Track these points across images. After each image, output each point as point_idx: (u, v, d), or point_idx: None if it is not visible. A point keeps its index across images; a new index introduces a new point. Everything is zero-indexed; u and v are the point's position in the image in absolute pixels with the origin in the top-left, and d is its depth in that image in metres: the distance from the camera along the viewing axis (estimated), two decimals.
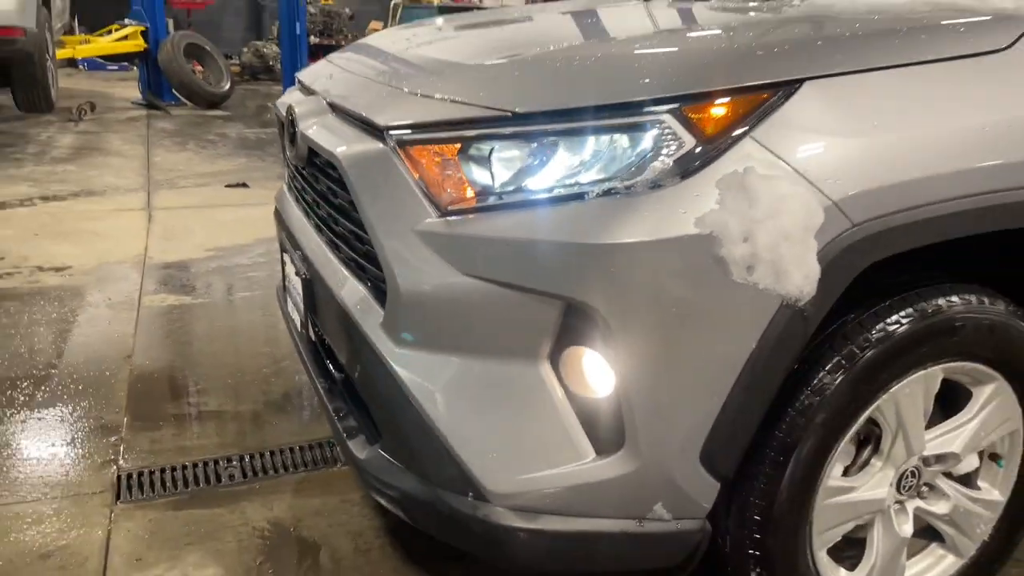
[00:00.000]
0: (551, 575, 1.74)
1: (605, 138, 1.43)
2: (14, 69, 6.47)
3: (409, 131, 1.56)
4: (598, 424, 1.47)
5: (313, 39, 11.62)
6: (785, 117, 1.40)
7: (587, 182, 1.42)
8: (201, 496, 2.28)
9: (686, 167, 1.38)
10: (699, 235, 1.34)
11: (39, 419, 2.62)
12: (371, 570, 2.02)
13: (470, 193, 1.49)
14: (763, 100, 1.40)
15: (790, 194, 1.35)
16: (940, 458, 1.71)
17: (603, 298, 1.38)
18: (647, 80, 1.45)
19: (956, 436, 1.70)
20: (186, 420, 2.66)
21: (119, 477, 2.34)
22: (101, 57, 9.38)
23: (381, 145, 1.58)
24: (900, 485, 1.70)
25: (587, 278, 1.38)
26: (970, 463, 1.76)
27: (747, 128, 1.39)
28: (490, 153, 1.49)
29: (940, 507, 1.75)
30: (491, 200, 1.48)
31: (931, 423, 1.70)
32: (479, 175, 1.49)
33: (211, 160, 6.42)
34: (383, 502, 1.72)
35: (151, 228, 4.66)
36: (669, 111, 1.39)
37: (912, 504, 1.74)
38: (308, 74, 2.28)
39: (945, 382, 1.67)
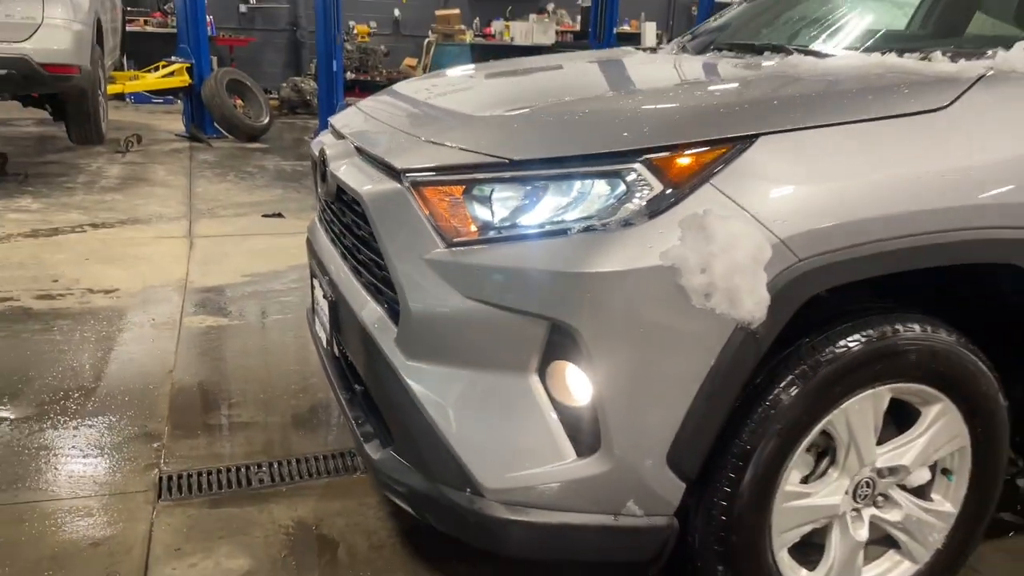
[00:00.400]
0: (540, 563, 1.95)
1: (587, 183, 1.67)
2: (69, 104, 6.86)
3: (422, 174, 1.81)
4: (578, 429, 1.68)
5: (349, 75, 12.02)
6: (741, 167, 1.62)
7: (571, 220, 1.65)
8: (233, 497, 2.51)
9: (654, 208, 1.61)
10: (663, 266, 1.57)
11: (90, 426, 2.88)
12: (383, 564, 2.24)
13: (473, 228, 1.72)
14: (722, 152, 1.63)
15: (742, 233, 1.57)
16: (893, 470, 1.91)
17: (581, 319, 1.60)
18: (624, 134, 1.69)
19: (906, 451, 1.89)
20: (221, 429, 2.91)
21: (161, 478, 2.58)
22: (147, 91, 9.81)
23: (398, 185, 1.83)
24: (856, 494, 1.89)
25: (568, 301, 1.61)
26: (921, 476, 1.94)
27: (708, 176, 1.62)
28: (490, 194, 1.73)
29: (894, 516, 1.94)
30: (491, 234, 1.71)
31: (886, 438, 1.91)
32: (481, 212, 1.73)
33: (249, 191, 6.75)
34: (393, 498, 1.95)
35: (192, 254, 4.96)
36: (641, 161, 1.63)
37: (868, 512, 1.93)
38: (339, 119, 2.54)
39: (899, 401, 1.87)
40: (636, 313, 1.59)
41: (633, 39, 13.42)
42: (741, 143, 1.64)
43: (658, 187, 1.62)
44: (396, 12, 13.30)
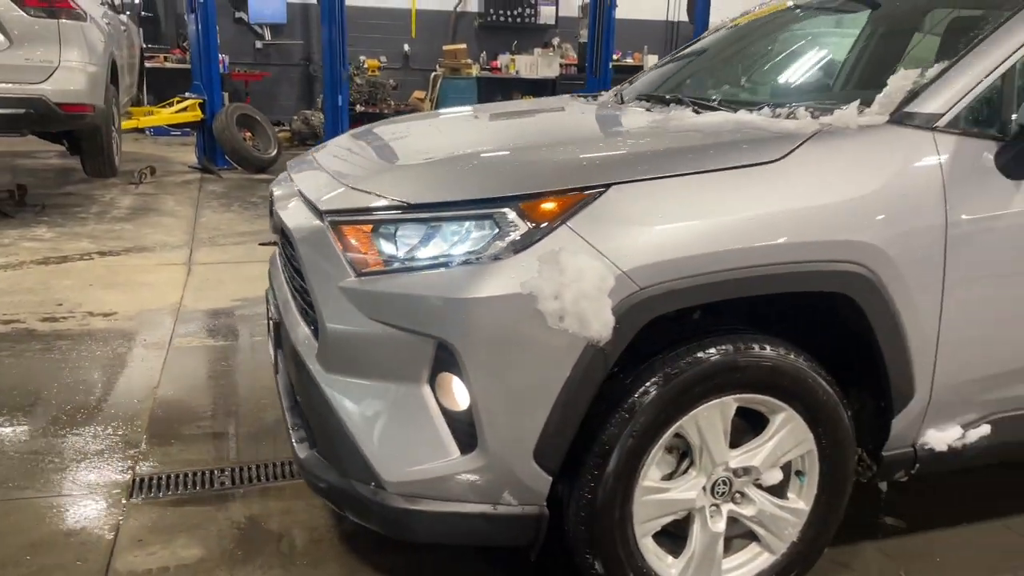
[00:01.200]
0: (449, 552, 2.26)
1: (468, 223, 1.99)
2: (83, 140, 7.30)
3: (340, 215, 2.15)
4: (460, 430, 1.99)
5: (359, 108, 12.49)
6: (594, 211, 1.94)
7: (454, 254, 1.97)
8: (196, 497, 2.84)
9: (519, 245, 1.93)
10: (522, 294, 1.88)
11: (76, 434, 3.22)
12: (319, 555, 2.55)
13: (378, 260, 2.05)
14: (579, 199, 1.95)
15: (589, 266, 1.88)
16: (747, 470, 2.19)
17: (457, 337, 1.92)
18: (498, 182, 2.02)
19: (756, 454, 2.18)
20: (193, 439, 3.24)
21: (134, 480, 2.91)
22: (164, 124, 10.30)
23: (320, 223, 2.17)
24: (714, 491, 2.18)
25: (447, 323, 1.93)
26: (774, 476, 2.22)
27: (565, 219, 1.93)
28: (394, 232, 2.06)
29: (749, 511, 2.23)
30: (393, 265, 2.04)
31: (742, 442, 2.20)
32: (385, 247, 2.06)
33: (250, 220, 7.13)
34: (316, 493, 2.26)
35: (189, 280, 5.33)
36: (510, 206, 1.96)
37: (726, 507, 2.21)
38: (294, 164, 2.89)
39: (754, 409, 2.17)
40: (502, 332, 1.91)
41: (636, 71, 13.78)
42: (595, 191, 1.96)
43: (523, 227, 1.94)
44: (406, 47, 13.75)
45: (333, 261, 2.10)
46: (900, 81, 2.31)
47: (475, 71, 13.49)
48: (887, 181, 2.12)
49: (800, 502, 2.28)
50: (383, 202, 2.10)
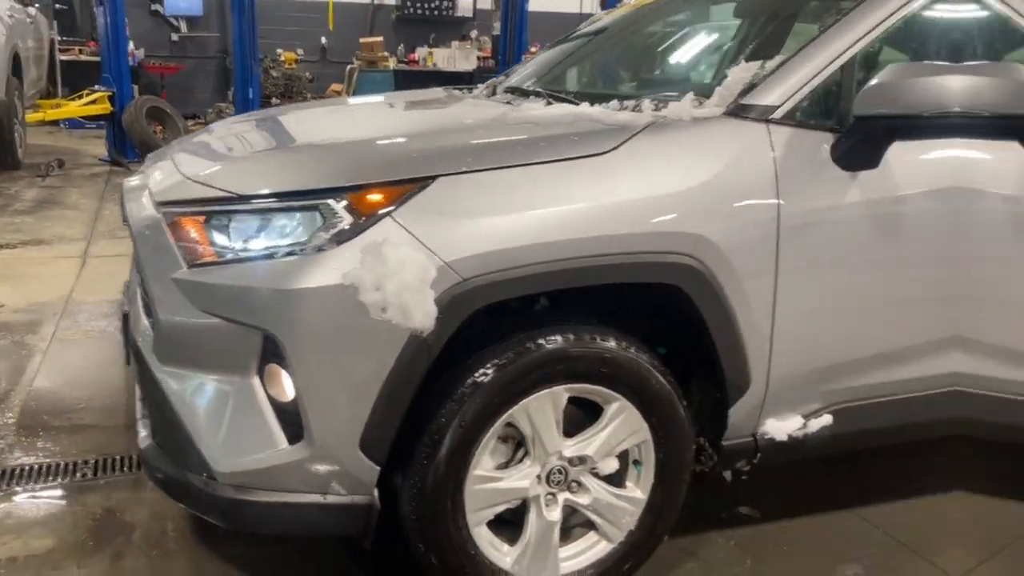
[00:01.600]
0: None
1: (294, 215, 2.00)
2: None
3: (173, 206, 2.14)
4: (287, 421, 2.00)
5: (275, 100, 12.32)
6: (418, 203, 1.97)
7: (280, 245, 1.98)
8: (56, 489, 2.81)
9: (342, 237, 1.94)
10: (344, 285, 1.90)
11: None
12: (172, 546, 2.54)
13: (208, 252, 2.04)
14: (403, 192, 1.97)
15: (411, 258, 1.90)
16: (582, 459, 2.23)
17: (280, 328, 1.92)
18: (324, 174, 2.03)
19: (590, 443, 2.22)
20: (63, 431, 3.19)
21: None
22: (77, 117, 10.06)
23: (156, 215, 2.16)
24: (549, 480, 2.22)
25: (270, 314, 1.93)
26: (610, 465, 2.26)
27: (389, 210, 1.95)
28: (227, 223, 2.06)
29: (585, 500, 2.26)
30: (224, 257, 2.03)
31: (578, 431, 2.24)
32: (217, 238, 2.05)
33: None
34: (154, 483, 2.25)
35: (82, 273, 5.23)
36: (334, 197, 1.97)
37: (562, 496, 2.25)
38: (151, 157, 2.87)
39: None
40: (325, 324, 1.92)
41: None
42: (421, 183, 1.98)
43: (348, 219, 1.96)
44: (323, 39, 13.65)
45: (167, 252, 2.09)
46: (741, 73, 2.37)
47: (392, 64, 13.45)
48: (718, 173, 2.17)
49: (637, 491, 2.32)
50: (214, 193, 2.10)
